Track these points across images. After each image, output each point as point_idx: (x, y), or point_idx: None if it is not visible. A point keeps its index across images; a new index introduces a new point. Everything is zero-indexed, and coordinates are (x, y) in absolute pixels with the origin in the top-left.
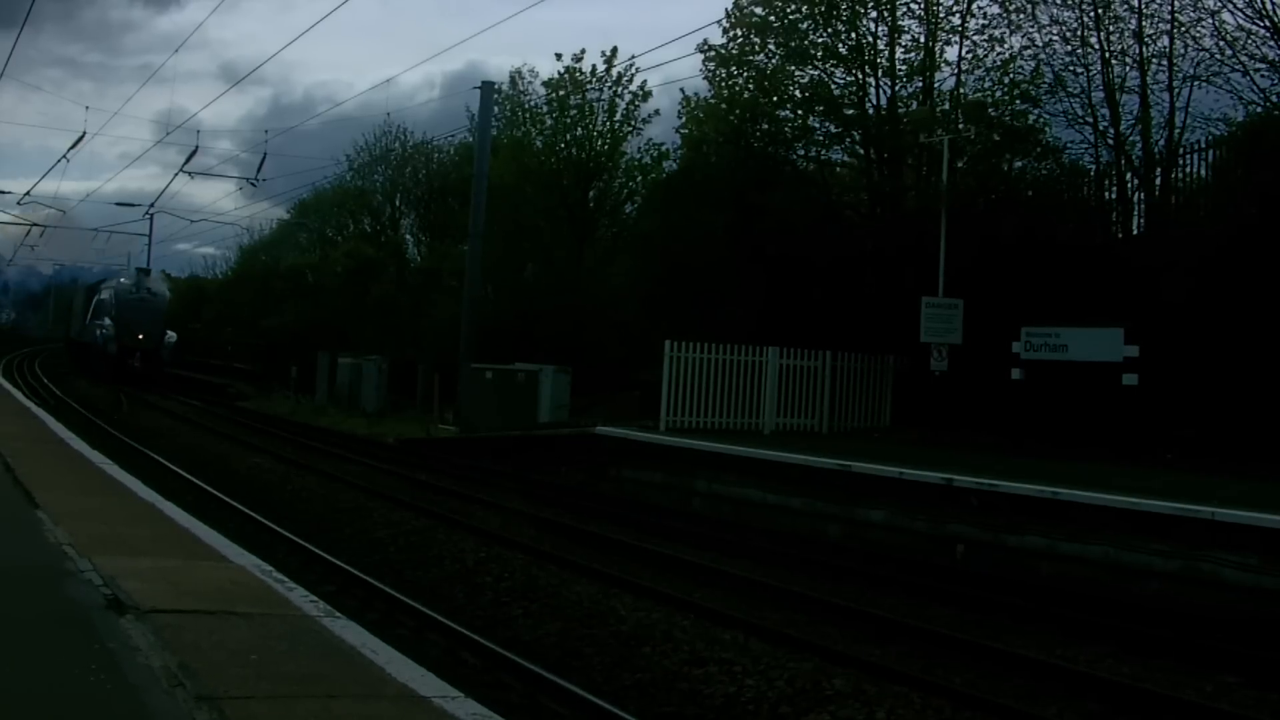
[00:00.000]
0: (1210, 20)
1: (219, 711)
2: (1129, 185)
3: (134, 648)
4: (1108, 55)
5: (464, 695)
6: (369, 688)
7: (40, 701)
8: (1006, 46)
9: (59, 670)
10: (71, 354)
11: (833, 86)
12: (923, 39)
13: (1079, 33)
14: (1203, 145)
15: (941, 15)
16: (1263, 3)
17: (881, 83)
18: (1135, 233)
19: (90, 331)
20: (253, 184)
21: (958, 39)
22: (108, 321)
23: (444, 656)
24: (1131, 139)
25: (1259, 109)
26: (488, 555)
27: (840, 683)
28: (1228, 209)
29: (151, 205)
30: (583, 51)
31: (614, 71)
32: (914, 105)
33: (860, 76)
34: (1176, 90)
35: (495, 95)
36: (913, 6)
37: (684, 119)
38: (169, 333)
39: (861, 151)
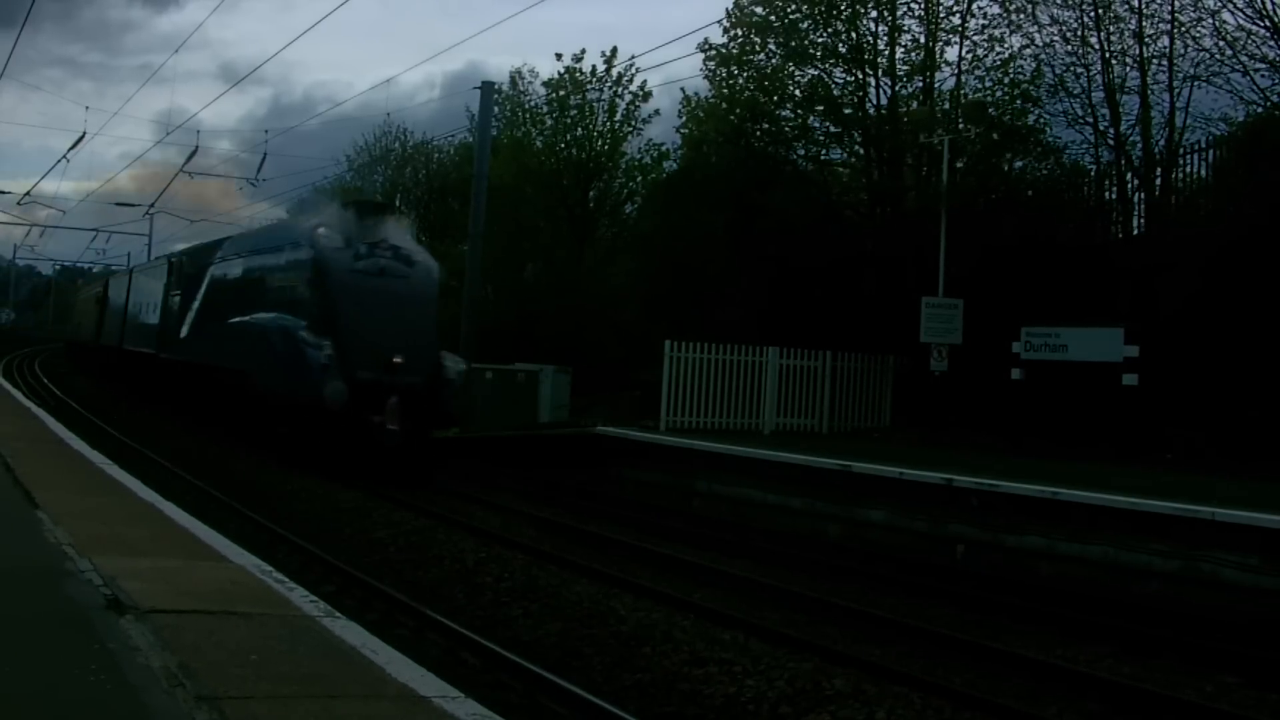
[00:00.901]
0: (1210, 20)
1: (219, 711)
2: (1129, 185)
3: (134, 648)
4: (1108, 55)
5: (464, 695)
6: (369, 688)
7: (40, 701)
8: (1006, 46)
9: (59, 670)
10: (83, 362)
11: (833, 86)
12: (923, 39)
13: (1079, 33)
14: (1203, 145)
15: (941, 15)
16: (1263, 3)
17: (881, 82)
18: (1135, 233)
19: (229, 346)
20: (253, 184)
21: (958, 39)
22: (302, 330)
23: (444, 656)
24: (1132, 139)
25: (1259, 109)
26: (488, 555)
27: (840, 683)
28: (1228, 209)
29: (151, 205)
30: (583, 51)
31: (614, 71)
32: (914, 105)
33: (860, 76)
34: (1177, 90)
35: (495, 95)
36: (913, 6)
37: (684, 119)
38: (447, 356)
39: (861, 151)
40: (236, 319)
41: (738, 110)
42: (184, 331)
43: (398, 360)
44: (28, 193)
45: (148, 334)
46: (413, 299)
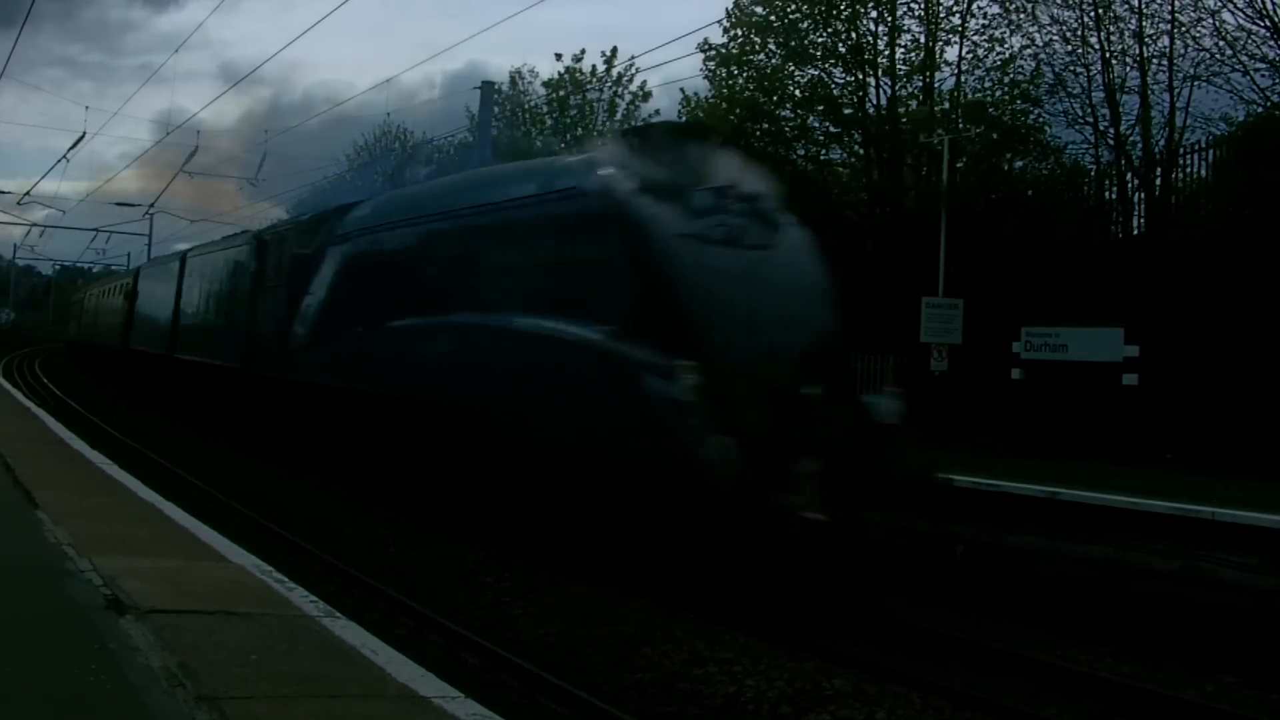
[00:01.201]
0: (1210, 20)
1: (219, 712)
2: (1129, 185)
3: (134, 648)
4: (1108, 55)
5: (464, 695)
6: (369, 688)
7: (40, 702)
8: (1006, 46)
9: (58, 670)
10: (92, 367)
11: (832, 86)
12: (923, 39)
13: (1079, 32)
14: (1203, 145)
15: (942, 15)
16: (1263, 3)
17: (881, 82)
18: (1135, 233)
19: (432, 367)
20: (253, 184)
21: (958, 39)
22: (622, 343)
23: (444, 656)
24: (1132, 139)
25: (1259, 108)
26: (488, 555)
27: (840, 683)
28: (1228, 209)
29: (151, 205)
30: (583, 52)
31: (614, 71)
32: (914, 105)
33: (860, 76)
34: (1177, 90)
35: (495, 95)
36: (913, 6)
37: (684, 119)
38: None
39: (861, 151)
40: (443, 321)
41: (738, 110)
42: (301, 340)
43: (813, 393)
44: (27, 192)
45: (221, 341)
46: (800, 286)
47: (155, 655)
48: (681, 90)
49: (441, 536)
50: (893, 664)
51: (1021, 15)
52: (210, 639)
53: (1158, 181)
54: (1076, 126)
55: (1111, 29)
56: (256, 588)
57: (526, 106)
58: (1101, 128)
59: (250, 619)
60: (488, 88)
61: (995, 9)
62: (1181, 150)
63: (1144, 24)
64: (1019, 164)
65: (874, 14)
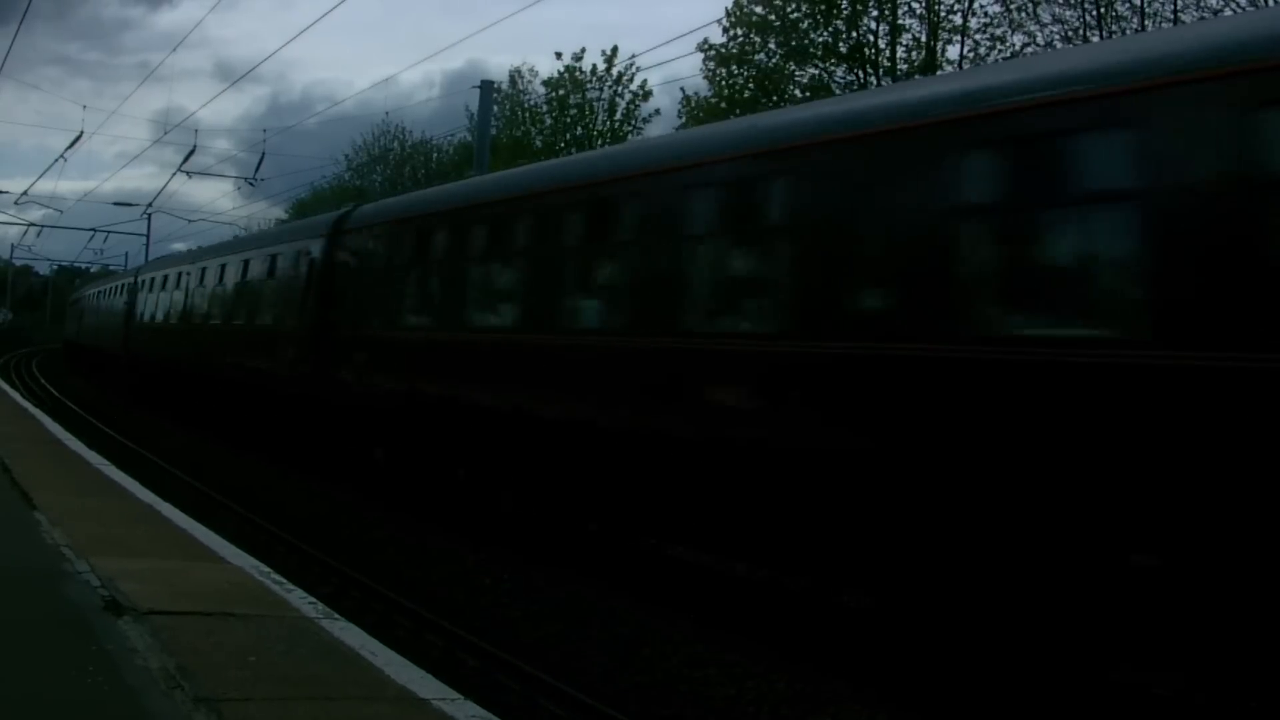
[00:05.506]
0: (1213, 19)
1: (217, 714)
2: None
3: (132, 649)
4: None
5: (463, 697)
6: (368, 689)
7: (38, 704)
8: (1008, 45)
9: (56, 672)
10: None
11: (833, 86)
12: (923, 38)
13: (1080, 31)
14: None
15: (943, 14)
16: (1266, 3)
17: (883, 82)
18: None
19: None
20: (251, 183)
21: (959, 37)
22: None
23: (443, 658)
24: None
25: None
26: (487, 555)
27: (841, 684)
28: None
29: (149, 205)
30: (583, 51)
31: (614, 71)
32: None
33: (861, 76)
34: None
35: (495, 94)
36: (913, 5)
37: (684, 119)
38: None
39: None
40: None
41: (738, 110)
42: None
43: None
44: (25, 192)
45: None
46: None
47: (153, 657)
48: (681, 90)
49: (440, 537)
50: None
51: (1023, 14)
52: (208, 640)
53: None
54: None
55: (1113, 28)
56: (255, 589)
57: (526, 106)
58: None
59: (248, 620)
60: (487, 87)
61: (997, 7)
62: None
63: (1146, 23)
64: None
65: (874, 13)
